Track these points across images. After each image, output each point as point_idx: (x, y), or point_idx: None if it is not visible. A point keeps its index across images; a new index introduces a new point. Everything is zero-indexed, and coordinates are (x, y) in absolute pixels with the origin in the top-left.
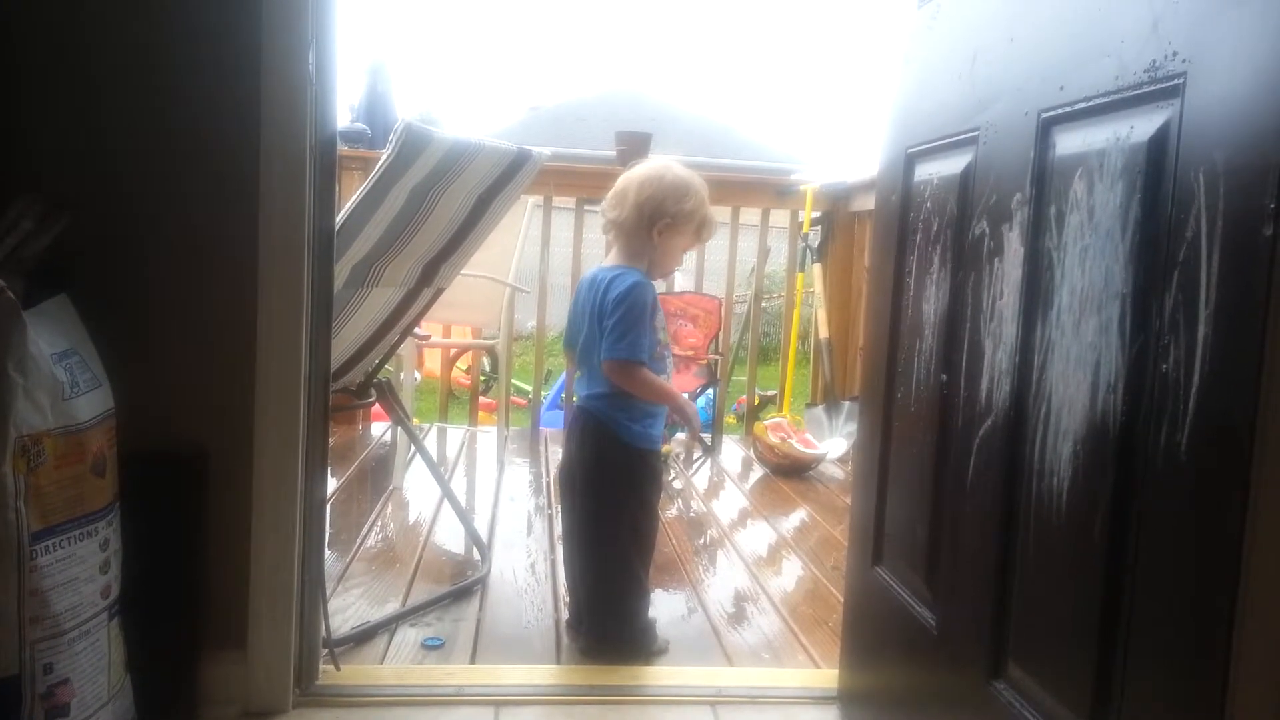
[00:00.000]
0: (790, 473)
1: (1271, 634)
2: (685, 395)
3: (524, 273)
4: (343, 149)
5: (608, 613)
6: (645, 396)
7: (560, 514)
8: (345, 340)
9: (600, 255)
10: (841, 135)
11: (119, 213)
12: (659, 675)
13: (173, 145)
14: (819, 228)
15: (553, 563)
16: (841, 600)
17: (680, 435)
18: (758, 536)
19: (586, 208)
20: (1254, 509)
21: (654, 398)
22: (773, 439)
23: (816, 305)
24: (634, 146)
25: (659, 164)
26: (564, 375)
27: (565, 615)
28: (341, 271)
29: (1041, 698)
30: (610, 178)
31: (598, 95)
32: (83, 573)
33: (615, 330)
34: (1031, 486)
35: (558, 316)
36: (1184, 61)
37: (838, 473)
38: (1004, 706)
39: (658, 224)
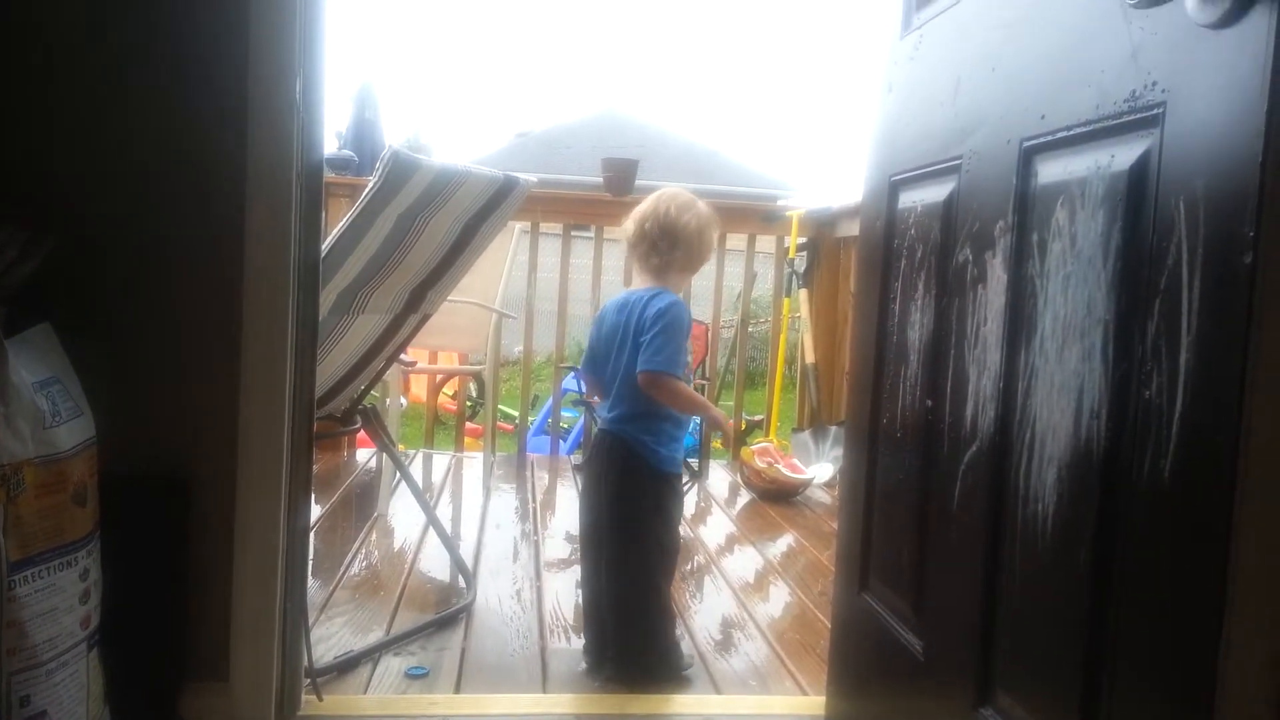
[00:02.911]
0: (777, 498)
1: (1258, 658)
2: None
3: (510, 298)
4: (329, 176)
5: (636, 634)
6: (679, 408)
7: (581, 538)
8: (330, 366)
9: (586, 281)
10: (827, 161)
11: (103, 239)
12: (646, 704)
13: (158, 171)
14: (805, 253)
15: (539, 590)
16: (829, 626)
17: None
18: (745, 562)
19: (573, 233)
20: (1238, 534)
21: (688, 408)
22: (759, 464)
23: (802, 330)
24: (621, 172)
25: (686, 195)
26: (550, 400)
27: (554, 643)
28: (327, 298)
29: None
30: (597, 204)
31: (585, 121)
32: (62, 603)
33: (654, 344)
34: (1017, 512)
35: (544, 342)
36: (1163, 91)
37: (824, 498)
38: None
39: (694, 249)
